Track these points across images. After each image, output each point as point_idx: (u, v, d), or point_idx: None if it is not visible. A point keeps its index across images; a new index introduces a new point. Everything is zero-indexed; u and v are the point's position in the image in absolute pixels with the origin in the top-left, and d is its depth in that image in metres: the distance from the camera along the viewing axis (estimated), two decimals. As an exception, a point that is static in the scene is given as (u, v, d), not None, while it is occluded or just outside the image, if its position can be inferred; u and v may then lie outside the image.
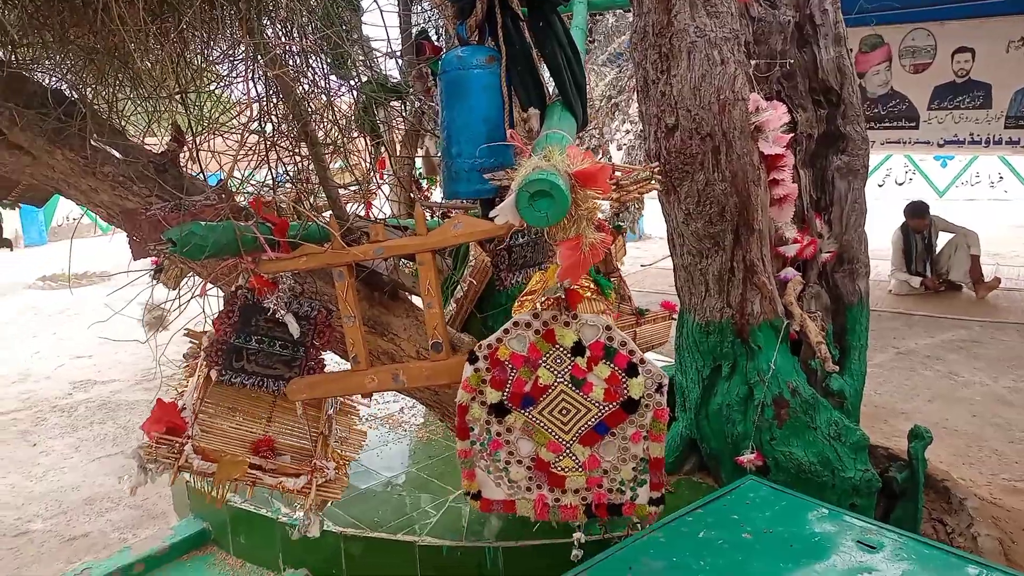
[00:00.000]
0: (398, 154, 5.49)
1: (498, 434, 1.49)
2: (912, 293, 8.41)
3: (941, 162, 16.74)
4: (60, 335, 8.41)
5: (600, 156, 4.85)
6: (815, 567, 1.95)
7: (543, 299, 1.53)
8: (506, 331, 1.49)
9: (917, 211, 8.60)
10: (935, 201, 14.52)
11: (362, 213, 2.62)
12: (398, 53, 3.44)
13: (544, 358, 1.52)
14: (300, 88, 2.15)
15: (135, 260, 1.93)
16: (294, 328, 1.90)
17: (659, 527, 2.17)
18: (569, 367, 1.52)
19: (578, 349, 1.53)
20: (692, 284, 3.21)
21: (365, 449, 3.95)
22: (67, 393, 6.29)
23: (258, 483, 2.12)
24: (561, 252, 1.33)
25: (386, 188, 4.47)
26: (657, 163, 3.06)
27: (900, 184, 17.00)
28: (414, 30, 6.43)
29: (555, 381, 1.53)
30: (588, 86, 4.95)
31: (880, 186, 17.55)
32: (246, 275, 1.85)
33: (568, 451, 1.56)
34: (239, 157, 2.02)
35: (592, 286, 1.57)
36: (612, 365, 1.54)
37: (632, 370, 1.54)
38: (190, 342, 2.01)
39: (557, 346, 1.52)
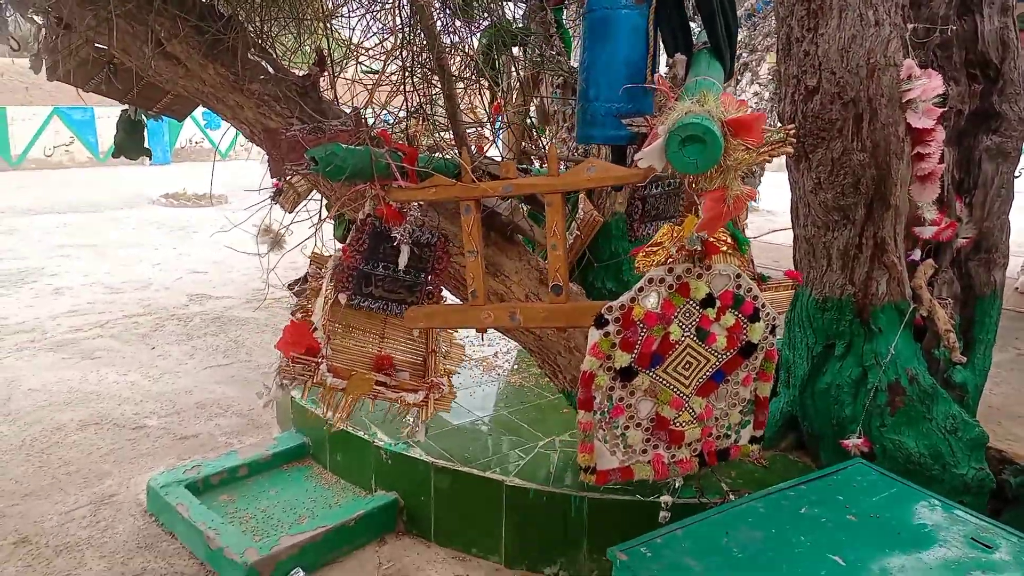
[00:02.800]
0: (514, 100, 5.46)
1: (620, 399, 1.48)
2: (1041, 293, 7.83)
3: (1092, 156, 15.34)
4: (180, 250, 8.92)
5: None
6: (922, 556, 1.87)
7: (676, 250, 1.50)
8: (640, 289, 1.46)
9: None
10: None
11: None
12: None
13: (677, 313, 1.49)
14: (438, 21, 2.15)
15: (272, 178, 2.00)
16: (404, 259, 1.93)
17: (759, 497, 2.14)
18: (697, 319, 1.49)
19: (708, 301, 1.49)
20: (813, 257, 3.08)
21: (460, 388, 4.05)
22: (184, 304, 6.68)
23: (379, 397, 2.19)
24: (705, 203, 1.29)
25: (500, 134, 4.45)
26: (792, 126, 2.93)
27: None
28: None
29: (683, 336, 1.51)
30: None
31: (1017, 177, 16.25)
32: (373, 203, 1.89)
33: (687, 404, 1.54)
34: (377, 87, 2.04)
35: (729, 240, 1.52)
36: (738, 313, 1.51)
37: (755, 316, 1.51)
38: (312, 265, 2.08)
39: (689, 299, 1.49)
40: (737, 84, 4.88)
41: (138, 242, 9.34)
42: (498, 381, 4.23)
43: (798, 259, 3.18)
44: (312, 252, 2.09)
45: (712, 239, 1.50)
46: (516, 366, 4.42)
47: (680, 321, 1.49)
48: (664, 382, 1.55)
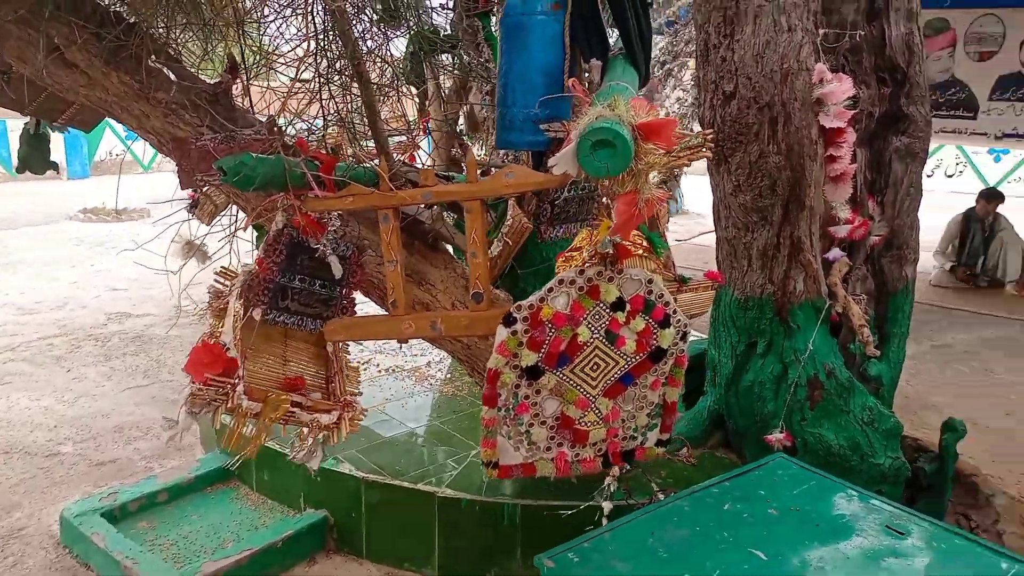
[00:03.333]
0: (443, 107, 5.43)
1: (526, 397, 1.47)
2: (950, 285, 8.23)
3: (995, 156, 16.24)
4: (98, 267, 8.56)
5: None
6: (840, 547, 1.92)
7: (589, 254, 1.50)
8: (550, 290, 1.46)
9: (992, 195, 8.40)
10: (984, 196, 14.13)
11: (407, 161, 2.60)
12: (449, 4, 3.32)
13: (586, 315, 1.49)
14: (356, 27, 2.11)
15: (183, 189, 1.92)
16: (337, 269, 1.88)
17: (684, 496, 2.16)
18: (607, 322, 1.50)
19: (619, 304, 1.50)
20: (735, 258, 3.15)
21: (391, 399, 3.99)
22: (102, 323, 6.41)
23: (292, 421, 2.12)
24: (617, 206, 1.30)
25: (427, 141, 4.43)
26: (711, 131, 2.99)
27: (949, 176, 16.55)
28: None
29: (592, 337, 1.51)
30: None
31: (929, 176, 17.08)
32: (289, 213, 1.83)
33: (593, 405, 1.54)
34: (291, 94, 1.99)
35: (644, 243, 1.53)
36: (648, 318, 1.52)
37: (666, 321, 1.53)
38: (217, 281, 1.99)
39: (599, 302, 1.49)
40: (663, 90, 4.99)
41: (54, 259, 8.93)
42: (431, 391, 4.18)
43: (721, 260, 3.25)
44: (221, 267, 2.01)
45: (626, 242, 1.51)
46: (449, 376, 4.39)
47: (589, 323, 1.49)
48: (571, 382, 1.56)
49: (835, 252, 3.15)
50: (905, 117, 3.33)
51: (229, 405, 1.91)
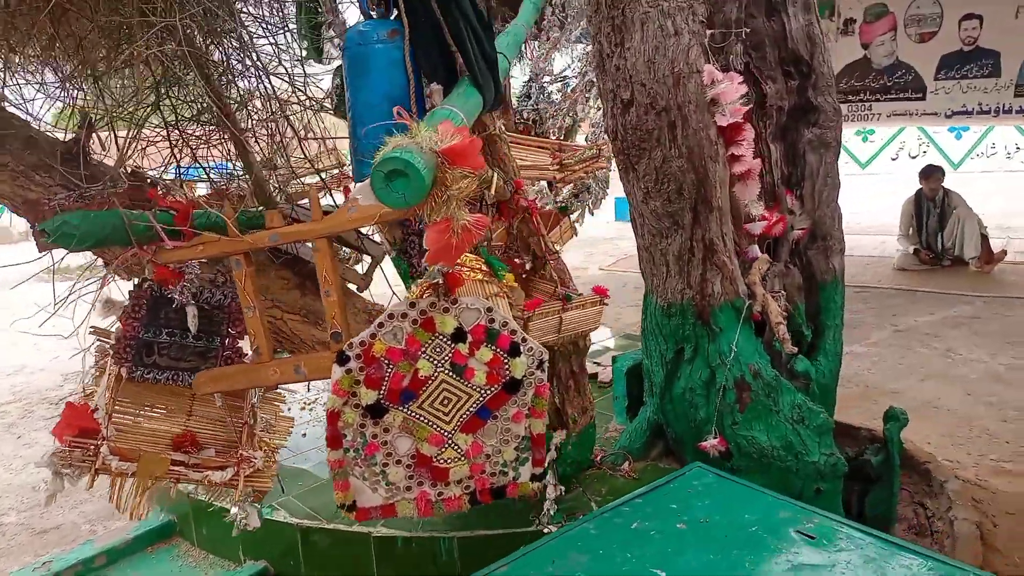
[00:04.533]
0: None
1: (374, 436, 1.41)
2: (914, 268, 8.22)
3: (956, 134, 16.37)
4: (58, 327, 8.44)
5: (575, 135, 4.73)
6: (747, 557, 1.86)
7: (420, 285, 1.45)
8: (380, 325, 1.41)
9: (928, 171, 8.40)
10: (950, 174, 14.19)
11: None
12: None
13: (423, 348, 1.44)
14: (216, 72, 2.07)
15: (39, 252, 1.87)
16: (192, 321, 1.83)
17: (593, 518, 2.10)
18: (450, 354, 1.44)
19: (459, 335, 1.45)
20: (654, 265, 3.12)
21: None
22: (59, 385, 6.31)
23: (183, 479, 2.06)
24: (427, 235, 1.25)
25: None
26: (602, 141, 2.97)
27: (913, 157, 16.63)
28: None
29: (435, 371, 1.45)
30: (562, 63, 4.78)
31: (894, 159, 17.22)
32: (150, 267, 1.79)
33: (450, 441, 1.48)
34: (150, 143, 1.94)
35: (484, 268, 1.47)
36: (494, 348, 1.46)
37: (514, 350, 1.47)
38: (98, 340, 1.95)
39: (437, 334, 1.44)
40: (587, 100, 4.97)
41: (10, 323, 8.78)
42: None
43: (642, 268, 3.21)
44: (94, 326, 1.96)
45: (461, 270, 1.46)
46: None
47: (430, 356, 1.44)
48: (421, 418, 1.49)
49: (753, 250, 3.12)
50: (814, 108, 3.31)
51: (98, 466, 1.85)
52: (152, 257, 1.58)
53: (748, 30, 2.97)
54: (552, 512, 2.80)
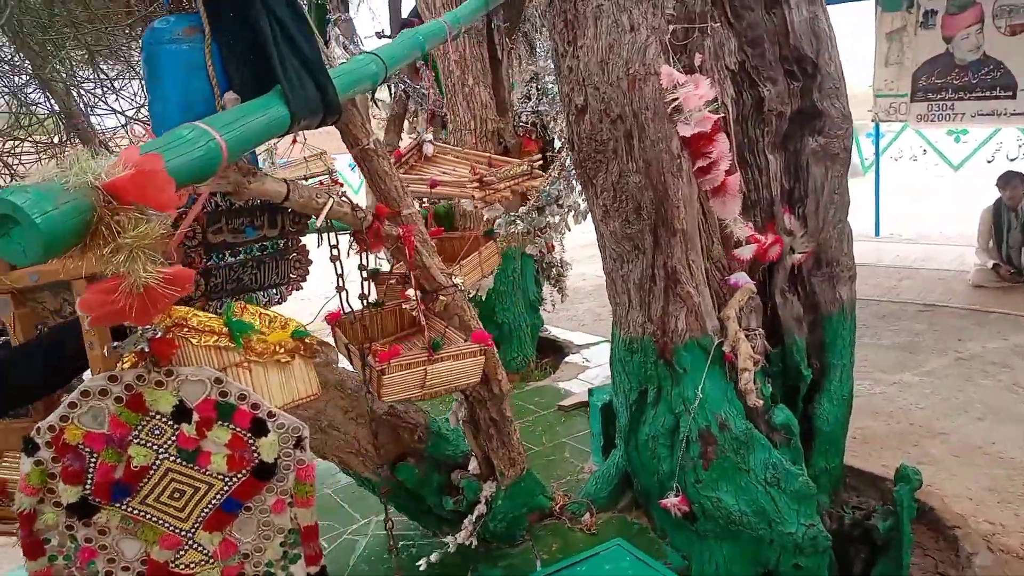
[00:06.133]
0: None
1: (88, 540, 1.13)
2: (992, 285, 7.39)
3: (1061, 134, 14.92)
4: None
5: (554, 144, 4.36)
6: None
7: (127, 354, 1.16)
8: (72, 405, 1.12)
9: (1007, 178, 7.56)
10: (1052, 179, 12.89)
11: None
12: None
13: (135, 432, 1.14)
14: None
15: None
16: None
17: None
18: (173, 438, 1.15)
19: (181, 413, 1.15)
20: (616, 293, 2.74)
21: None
22: None
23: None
24: (85, 297, 0.96)
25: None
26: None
27: (1012, 159, 15.28)
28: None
29: (156, 459, 1.16)
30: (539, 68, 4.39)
31: (989, 162, 15.87)
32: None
33: (191, 542, 1.19)
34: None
35: (221, 329, 1.17)
36: (232, 426, 1.15)
37: (259, 428, 1.15)
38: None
39: (151, 414, 1.15)
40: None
41: None
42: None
43: (609, 296, 2.84)
44: None
45: (183, 331, 1.16)
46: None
47: (145, 441, 1.14)
48: (146, 516, 1.19)
49: (738, 277, 2.69)
50: (820, 114, 2.85)
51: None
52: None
53: (715, 25, 2.54)
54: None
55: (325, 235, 1.72)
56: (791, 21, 2.81)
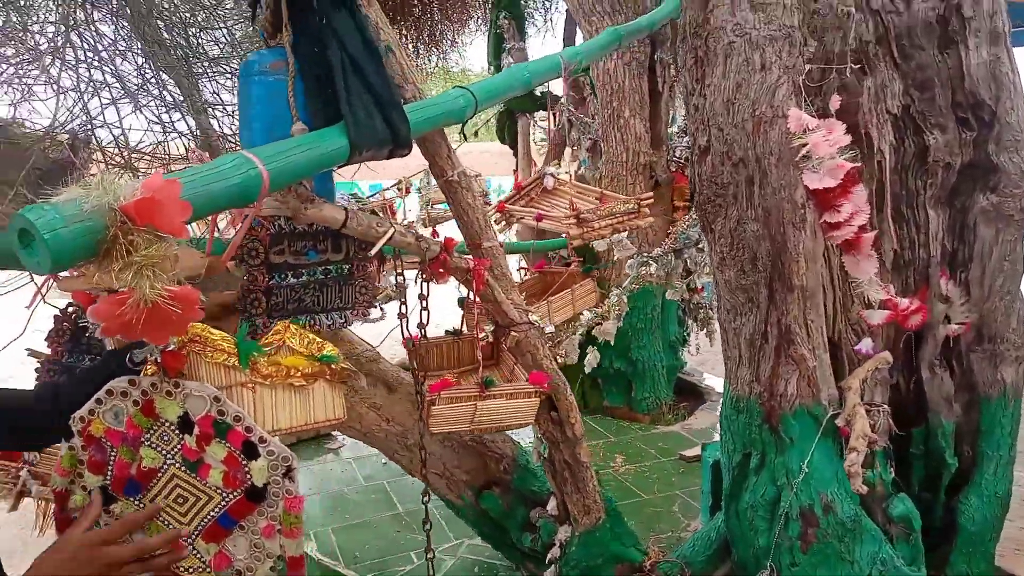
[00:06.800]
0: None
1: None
2: None
3: None
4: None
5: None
6: None
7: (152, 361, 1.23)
8: (99, 401, 1.21)
9: None
10: None
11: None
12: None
13: (147, 435, 1.21)
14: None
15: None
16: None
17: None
18: (179, 446, 1.21)
19: (186, 424, 1.20)
20: (728, 346, 2.57)
21: (403, 475, 3.77)
22: None
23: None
24: (98, 306, 1.04)
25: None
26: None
27: None
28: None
29: (164, 463, 1.22)
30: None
31: None
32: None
33: (192, 548, 1.24)
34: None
35: (227, 348, 1.20)
36: (227, 444, 1.19)
37: (250, 451, 1.19)
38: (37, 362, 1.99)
39: (161, 420, 1.21)
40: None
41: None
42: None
43: (722, 348, 2.67)
44: (30, 348, 2.00)
45: (196, 347, 1.21)
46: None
47: (155, 444, 1.20)
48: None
49: (866, 344, 2.42)
50: (994, 168, 2.52)
51: (19, 489, 1.89)
52: (58, 285, 1.55)
53: (852, 67, 2.31)
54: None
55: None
56: (968, 64, 2.51)
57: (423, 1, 7.34)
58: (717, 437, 4.26)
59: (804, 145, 2.18)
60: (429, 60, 8.35)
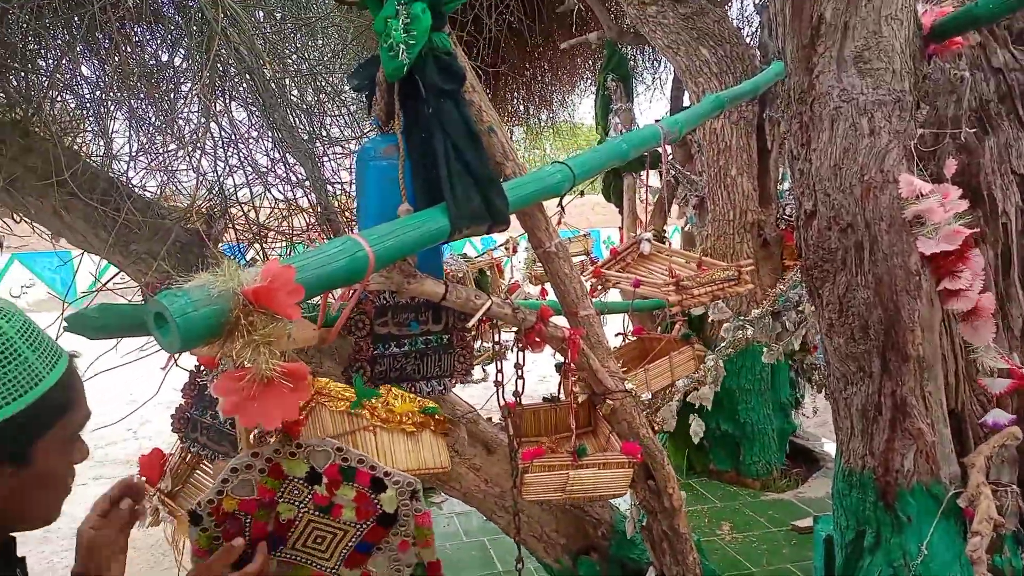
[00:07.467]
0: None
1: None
2: None
3: None
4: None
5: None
6: None
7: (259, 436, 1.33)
8: (225, 480, 1.34)
9: None
10: None
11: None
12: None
13: (280, 494, 1.33)
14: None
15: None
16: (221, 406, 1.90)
17: None
18: (309, 496, 1.34)
19: (314, 477, 1.34)
20: (839, 417, 2.47)
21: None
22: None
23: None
24: (219, 382, 1.15)
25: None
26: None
27: None
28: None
29: (298, 513, 1.35)
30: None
31: None
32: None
33: (336, 575, 1.38)
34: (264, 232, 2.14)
35: (350, 398, 1.33)
36: (356, 485, 1.35)
37: (378, 486, 1.36)
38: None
39: (289, 478, 1.33)
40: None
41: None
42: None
43: (832, 418, 2.57)
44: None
45: (322, 398, 1.31)
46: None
47: (288, 499, 1.33)
48: (297, 559, 1.39)
49: (995, 415, 2.28)
50: None
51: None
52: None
53: (971, 131, 2.22)
54: None
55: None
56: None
57: (534, 65, 7.58)
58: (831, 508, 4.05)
59: (917, 211, 2.12)
60: (539, 120, 8.57)
